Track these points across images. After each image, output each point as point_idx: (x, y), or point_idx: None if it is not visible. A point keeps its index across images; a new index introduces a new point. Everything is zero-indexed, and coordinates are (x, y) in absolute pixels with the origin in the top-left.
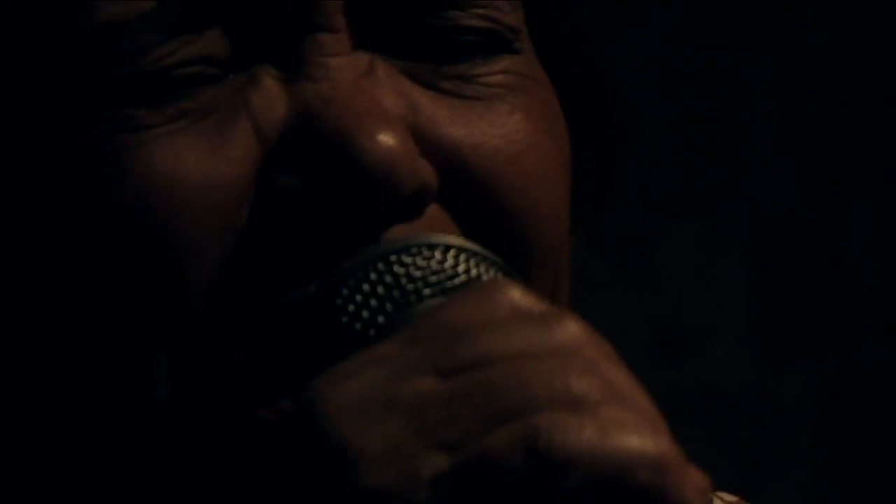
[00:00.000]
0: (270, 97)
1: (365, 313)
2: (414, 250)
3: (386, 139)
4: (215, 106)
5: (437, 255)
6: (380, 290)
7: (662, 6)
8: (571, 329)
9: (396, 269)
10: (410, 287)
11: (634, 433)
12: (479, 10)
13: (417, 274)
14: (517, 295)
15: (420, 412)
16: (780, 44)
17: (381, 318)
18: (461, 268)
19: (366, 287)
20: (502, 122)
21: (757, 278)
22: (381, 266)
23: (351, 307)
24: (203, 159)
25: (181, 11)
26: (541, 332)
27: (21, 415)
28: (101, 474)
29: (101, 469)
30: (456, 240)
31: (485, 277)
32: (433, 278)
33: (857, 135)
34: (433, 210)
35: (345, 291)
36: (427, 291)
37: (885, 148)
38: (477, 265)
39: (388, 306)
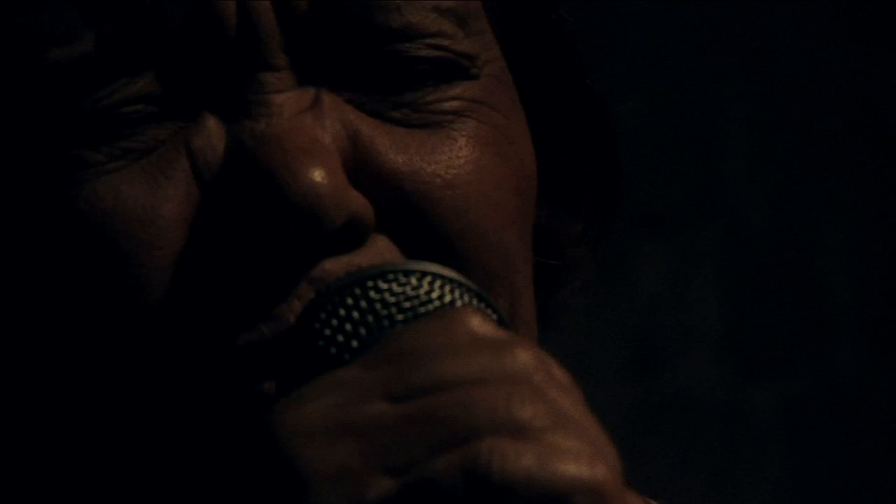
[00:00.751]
0: (211, 137)
1: (340, 337)
2: (390, 276)
3: (311, 176)
4: (156, 145)
5: (413, 280)
6: (355, 314)
7: (637, 25)
8: (522, 357)
9: (372, 294)
10: (384, 312)
11: (573, 460)
12: (429, 41)
13: (391, 299)
14: (475, 322)
15: (370, 436)
16: (751, 63)
17: (354, 343)
18: (435, 294)
19: (342, 311)
20: (443, 149)
21: (728, 295)
22: (357, 291)
23: (327, 331)
24: (143, 196)
25: (122, 53)
26: (492, 360)
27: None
28: (80, 471)
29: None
30: (432, 266)
31: (458, 303)
32: (407, 304)
33: (829, 152)
34: (378, 239)
35: (322, 315)
36: (400, 317)
37: (857, 165)
38: (451, 291)
39: (362, 331)
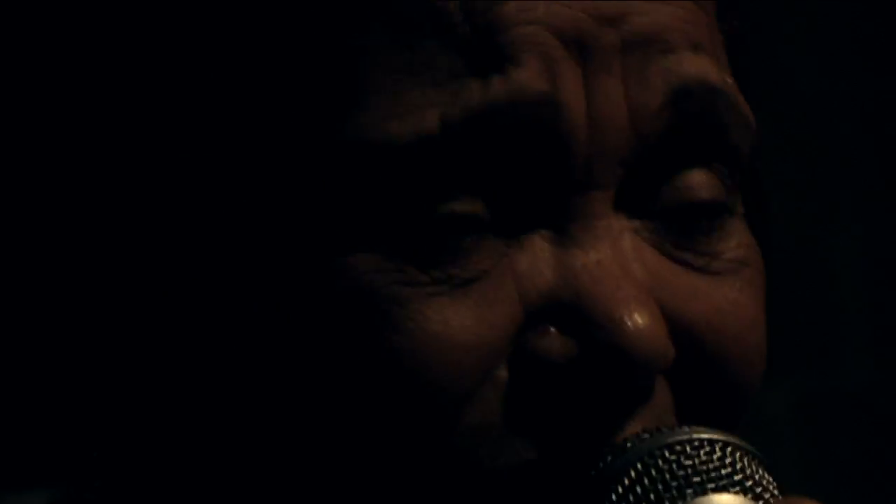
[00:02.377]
0: (538, 262)
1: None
2: (678, 448)
3: (646, 322)
4: (480, 273)
5: (702, 454)
6: (645, 481)
7: None
8: None
9: (660, 463)
10: (674, 484)
11: None
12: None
13: (681, 473)
14: None
15: None
16: (771, 67)
17: None
18: (727, 462)
19: (639, 477)
20: (734, 299)
21: None
22: (647, 459)
23: (616, 493)
24: (468, 323)
25: (456, 172)
26: None
27: None
28: None
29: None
30: (721, 434)
31: (748, 472)
32: (696, 479)
33: (842, 150)
34: (661, 384)
35: (618, 489)
36: (689, 491)
37: (870, 165)
38: (741, 458)
39: (651, 497)
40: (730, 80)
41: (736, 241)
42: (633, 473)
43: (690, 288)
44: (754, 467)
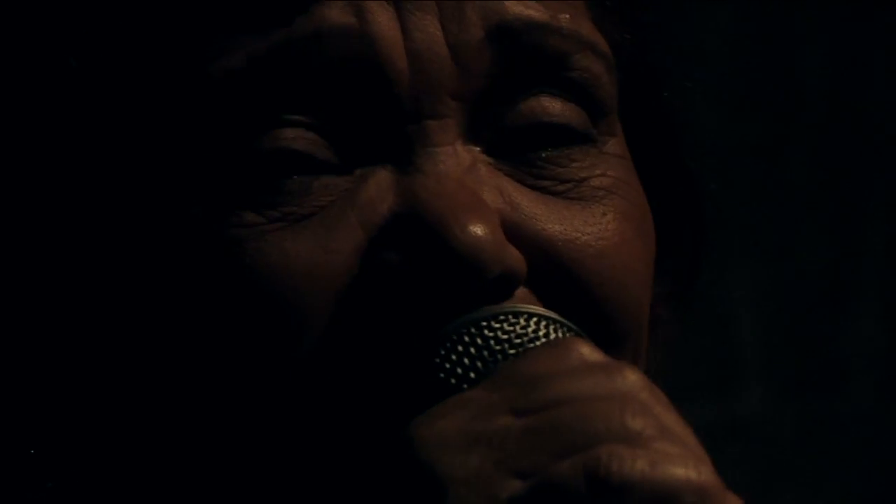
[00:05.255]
0: (381, 191)
1: (459, 370)
2: (502, 317)
3: (476, 230)
4: (319, 208)
5: (521, 321)
6: (472, 350)
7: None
8: (631, 377)
9: (486, 332)
10: (497, 348)
11: (681, 464)
12: (588, 79)
13: (504, 337)
14: (585, 350)
15: (499, 445)
16: (790, 80)
17: (472, 374)
18: (542, 332)
19: (460, 348)
20: (595, 221)
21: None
22: (473, 330)
23: (447, 365)
24: (310, 251)
25: (274, 106)
26: (604, 380)
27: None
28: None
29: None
30: (538, 309)
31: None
32: (517, 340)
33: (733, 194)
34: (522, 292)
35: (442, 351)
36: (512, 351)
37: (761, 207)
38: (556, 330)
39: (478, 364)
40: (566, 16)
41: (601, 170)
42: (454, 336)
43: (548, 211)
44: (570, 336)
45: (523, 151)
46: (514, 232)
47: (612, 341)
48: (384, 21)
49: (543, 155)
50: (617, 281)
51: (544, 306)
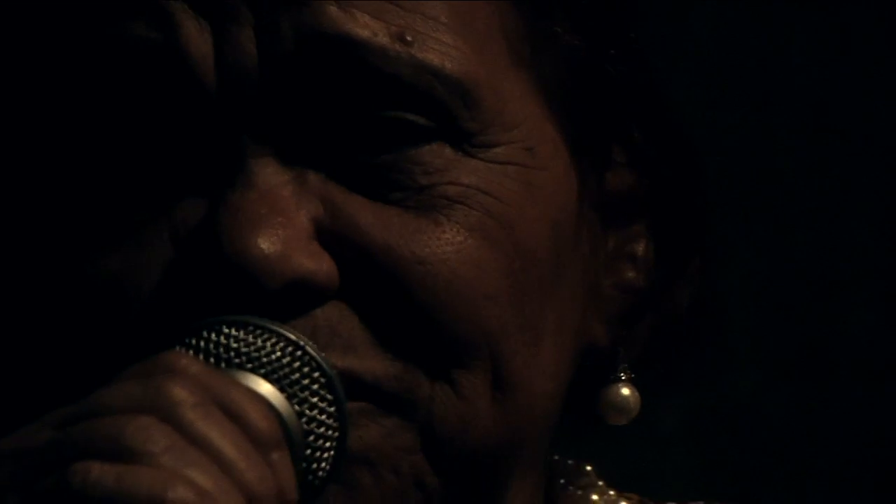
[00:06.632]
0: (196, 206)
1: None
2: (250, 328)
3: (248, 241)
4: (138, 223)
5: (261, 338)
6: (205, 346)
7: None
8: (172, 390)
9: (221, 338)
10: (225, 355)
11: (151, 481)
12: (419, 101)
13: (234, 345)
14: (154, 364)
15: (22, 459)
16: (766, 97)
17: None
18: (276, 354)
19: (195, 342)
20: (425, 230)
21: None
22: (205, 333)
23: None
24: (119, 269)
25: (81, 125)
26: (140, 391)
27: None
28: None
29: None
30: (290, 332)
31: (285, 360)
32: (245, 350)
33: (724, 185)
34: (333, 305)
35: (177, 348)
36: (236, 361)
37: (753, 198)
38: (291, 354)
39: (211, 361)
40: (407, 38)
41: (451, 177)
42: (204, 332)
43: (375, 220)
44: (297, 364)
45: (359, 156)
46: (333, 242)
47: (452, 355)
48: (194, 35)
49: (380, 159)
50: (442, 289)
51: (363, 317)
